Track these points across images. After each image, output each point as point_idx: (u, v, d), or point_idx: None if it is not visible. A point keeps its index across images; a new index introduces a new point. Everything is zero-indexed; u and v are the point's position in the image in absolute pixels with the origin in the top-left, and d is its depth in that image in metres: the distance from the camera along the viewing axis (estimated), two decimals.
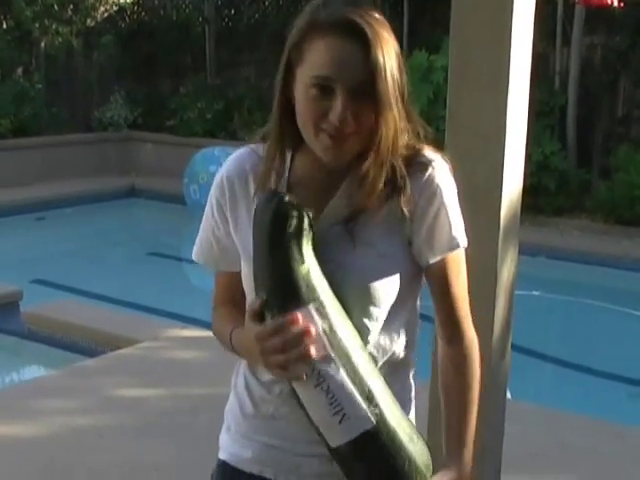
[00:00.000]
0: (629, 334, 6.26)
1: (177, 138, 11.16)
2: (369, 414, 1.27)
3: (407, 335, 1.43)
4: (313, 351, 1.25)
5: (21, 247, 8.61)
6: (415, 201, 1.35)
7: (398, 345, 1.41)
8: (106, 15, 12.56)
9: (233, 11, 12.26)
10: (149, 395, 4.07)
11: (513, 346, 2.21)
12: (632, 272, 7.42)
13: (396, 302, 1.38)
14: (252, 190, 1.42)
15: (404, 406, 1.41)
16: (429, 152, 1.39)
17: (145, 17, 12.96)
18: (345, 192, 1.37)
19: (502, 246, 2.03)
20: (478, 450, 1.51)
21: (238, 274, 1.45)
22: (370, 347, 1.37)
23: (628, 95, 9.39)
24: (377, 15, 1.30)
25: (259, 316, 1.31)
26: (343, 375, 1.27)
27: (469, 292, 1.46)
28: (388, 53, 1.28)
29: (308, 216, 1.31)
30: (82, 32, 12.16)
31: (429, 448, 1.37)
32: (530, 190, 6.55)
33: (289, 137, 1.37)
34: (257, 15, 11.96)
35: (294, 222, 1.29)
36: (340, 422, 1.27)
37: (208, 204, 1.48)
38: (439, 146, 1.44)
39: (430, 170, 1.36)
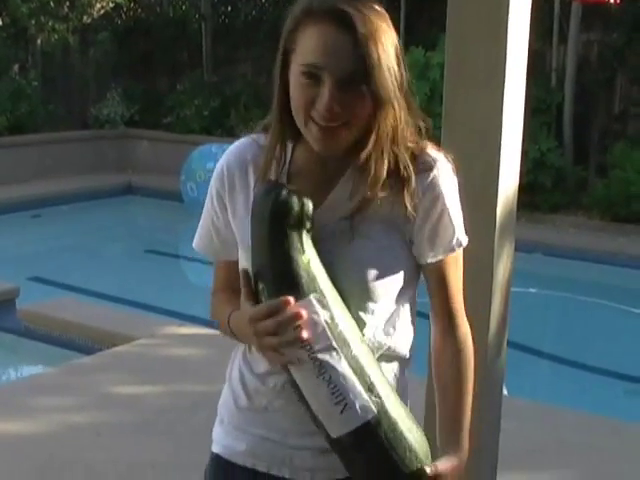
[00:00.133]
0: (625, 331, 6.28)
1: (174, 135, 11.14)
2: (371, 404, 1.27)
3: (403, 330, 1.43)
4: (305, 334, 1.25)
5: (17, 244, 8.60)
6: (418, 200, 1.35)
7: (393, 340, 1.41)
8: (102, 12, 12.54)
9: (230, 8, 12.26)
10: (146, 393, 4.06)
11: (509, 342, 2.21)
12: (628, 269, 7.44)
13: (393, 297, 1.38)
14: (252, 180, 1.42)
15: None
16: (432, 150, 1.38)
17: (141, 14, 12.96)
18: (347, 183, 1.36)
19: (498, 243, 2.03)
20: (475, 447, 1.51)
21: (237, 262, 1.45)
22: (365, 340, 1.37)
23: (625, 92, 9.40)
24: (376, 6, 1.30)
25: (254, 296, 1.31)
26: (345, 365, 1.27)
27: (465, 289, 1.46)
28: (383, 44, 1.27)
29: (308, 206, 1.30)
30: (78, 29, 12.15)
31: (428, 439, 1.37)
32: (526, 187, 6.59)
33: (289, 127, 1.35)
34: (254, 12, 11.96)
35: (295, 212, 1.28)
36: (342, 412, 1.27)
37: (208, 194, 1.48)
38: (437, 143, 1.44)
39: (435, 171, 1.36)
